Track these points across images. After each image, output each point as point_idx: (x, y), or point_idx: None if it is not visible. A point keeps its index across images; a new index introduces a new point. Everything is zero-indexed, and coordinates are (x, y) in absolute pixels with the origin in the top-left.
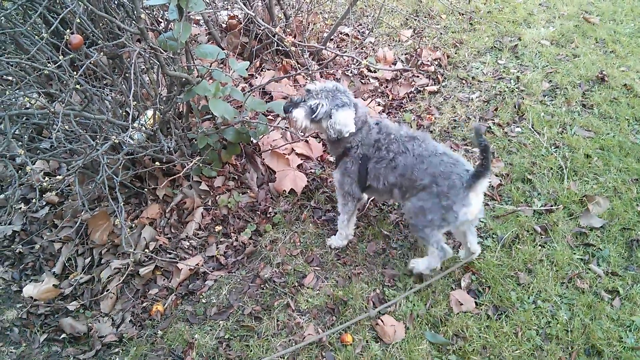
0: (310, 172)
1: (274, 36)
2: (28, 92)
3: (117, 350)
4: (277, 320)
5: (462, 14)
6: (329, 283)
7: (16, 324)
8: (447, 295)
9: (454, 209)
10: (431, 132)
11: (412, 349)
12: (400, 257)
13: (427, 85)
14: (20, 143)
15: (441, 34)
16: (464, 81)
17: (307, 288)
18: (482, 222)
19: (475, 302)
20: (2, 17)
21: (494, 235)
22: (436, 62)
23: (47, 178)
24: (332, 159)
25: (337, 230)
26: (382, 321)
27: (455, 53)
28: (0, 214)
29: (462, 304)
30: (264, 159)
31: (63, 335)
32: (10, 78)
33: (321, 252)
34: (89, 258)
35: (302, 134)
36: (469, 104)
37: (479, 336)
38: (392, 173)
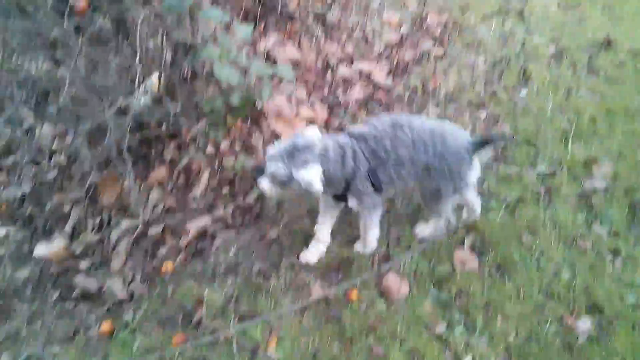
0: None
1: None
2: (34, 57)
3: (128, 306)
4: (285, 279)
5: None
6: (335, 242)
7: (29, 282)
8: (450, 254)
9: (464, 179)
10: (437, 96)
11: (416, 304)
12: (405, 217)
13: (433, 50)
14: (26, 108)
15: None
16: (469, 45)
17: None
18: (486, 183)
19: (479, 262)
20: None
21: (497, 197)
22: (442, 26)
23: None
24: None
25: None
26: (386, 279)
27: (462, 16)
28: (11, 177)
29: (465, 263)
30: (269, 123)
31: (75, 293)
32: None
33: None
34: (99, 219)
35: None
36: (474, 69)
37: (482, 294)
38: (403, 168)
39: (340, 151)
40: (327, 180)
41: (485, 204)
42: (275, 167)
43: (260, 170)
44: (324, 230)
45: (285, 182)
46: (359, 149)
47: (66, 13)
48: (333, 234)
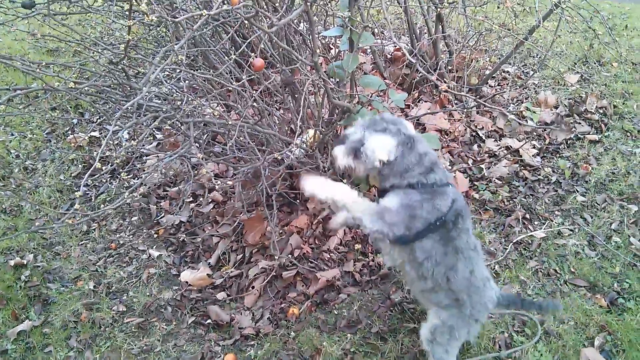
0: None
1: (433, 73)
2: (211, 102)
3: (252, 343)
4: (402, 344)
5: (636, 64)
6: None
7: (170, 303)
8: (577, 351)
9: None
10: (586, 182)
11: None
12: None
13: (589, 134)
14: (198, 146)
15: (606, 84)
16: (628, 133)
17: None
18: (627, 282)
19: None
20: (198, 36)
21: (638, 298)
22: (601, 111)
23: (214, 179)
24: None
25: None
26: None
27: (623, 104)
28: (172, 206)
29: None
30: None
31: (208, 321)
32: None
33: None
34: (241, 255)
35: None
36: (630, 158)
37: None
38: (446, 262)
39: (432, 160)
40: (394, 166)
41: (623, 304)
42: (353, 131)
43: (340, 139)
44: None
45: (357, 150)
46: (453, 195)
47: (246, 69)
48: None
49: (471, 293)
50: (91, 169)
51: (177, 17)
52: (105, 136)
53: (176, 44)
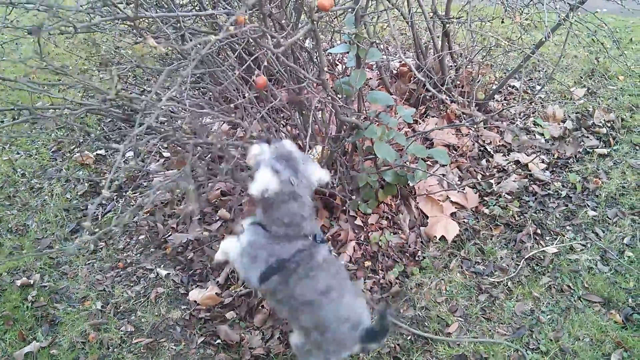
0: (464, 221)
1: (441, 89)
2: (216, 120)
3: None
4: None
5: None
6: (471, 336)
7: (179, 323)
8: None
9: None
10: (597, 196)
11: None
12: (549, 322)
13: (597, 147)
14: (201, 166)
15: (613, 98)
16: (637, 147)
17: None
18: None
19: None
20: (206, 55)
21: None
22: (609, 125)
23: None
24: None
25: None
26: None
27: (631, 117)
28: (178, 224)
29: None
30: (418, 203)
31: (218, 341)
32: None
33: (466, 303)
34: None
35: None
36: None
37: None
38: (290, 304)
39: (290, 221)
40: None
41: (638, 320)
42: (262, 150)
43: (266, 139)
44: None
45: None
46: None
47: (249, 84)
48: (468, 327)
49: (323, 331)
50: (99, 198)
51: (184, 45)
52: (111, 154)
53: (182, 67)
